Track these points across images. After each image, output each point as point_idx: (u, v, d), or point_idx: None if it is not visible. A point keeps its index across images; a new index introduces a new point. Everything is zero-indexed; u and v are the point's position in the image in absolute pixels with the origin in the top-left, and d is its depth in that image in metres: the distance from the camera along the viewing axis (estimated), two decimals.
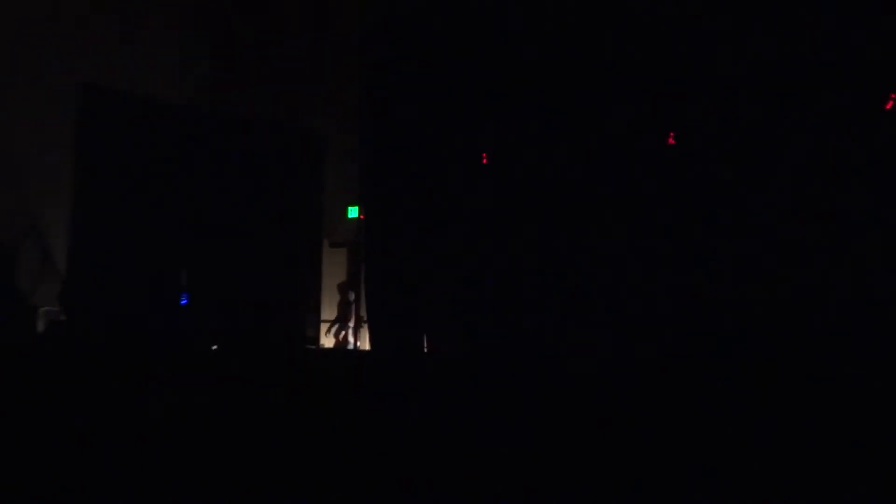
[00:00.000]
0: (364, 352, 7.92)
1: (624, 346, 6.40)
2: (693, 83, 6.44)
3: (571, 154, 6.89)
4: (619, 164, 6.68)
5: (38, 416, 4.14)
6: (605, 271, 6.69)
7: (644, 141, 6.62)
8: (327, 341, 8.74)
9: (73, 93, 6.87)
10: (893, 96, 5.87)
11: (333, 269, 8.83)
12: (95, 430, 3.99)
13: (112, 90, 7.00)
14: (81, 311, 6.37)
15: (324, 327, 8.63)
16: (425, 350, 7.52)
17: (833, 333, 5.69)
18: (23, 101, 7.96)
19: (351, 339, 8.69)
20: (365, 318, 7.86)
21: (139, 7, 8.40)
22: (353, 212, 8.25)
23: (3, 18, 8.06)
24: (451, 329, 7.42)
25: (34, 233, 7.19)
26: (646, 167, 6.61)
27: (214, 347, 7.13)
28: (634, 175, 6.63)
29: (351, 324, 8.66)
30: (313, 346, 8.03)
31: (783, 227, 6.13)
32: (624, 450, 3.24)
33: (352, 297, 8.69)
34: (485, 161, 7.34)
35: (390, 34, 7.88)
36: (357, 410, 4.40)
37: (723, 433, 3.35)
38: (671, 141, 6.62)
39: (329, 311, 8.89)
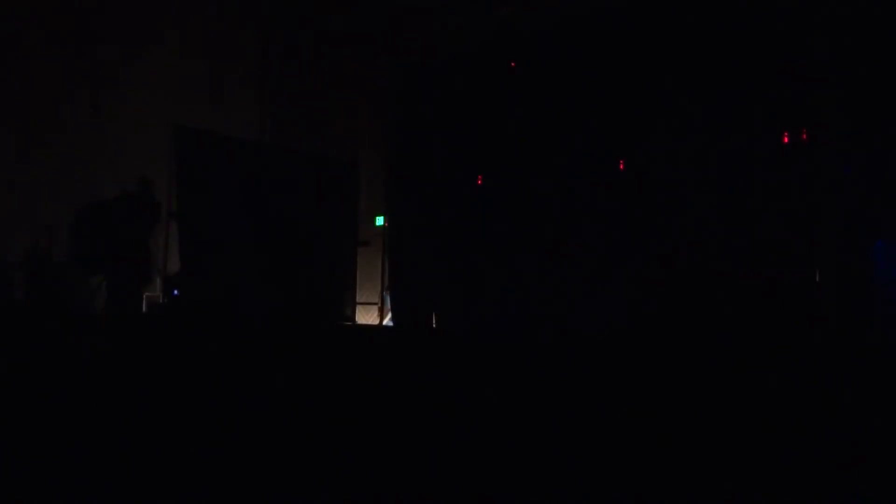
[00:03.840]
0: (387, 327, 9.15)
1: (602, 324, 7.17)
2: (638, 124, 7.34)
3: (544, 174, 8.04)
4: (579, 183, 7.78)
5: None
6: (575, 265, 7.64)
7: (600, 166, 7.69)
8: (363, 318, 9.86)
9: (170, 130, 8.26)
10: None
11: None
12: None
13: (198, 129, 8.48)
14: (183, 295, 7.95)
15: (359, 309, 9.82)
16: (434, 325, 8.59)
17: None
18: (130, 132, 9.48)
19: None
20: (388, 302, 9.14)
21: (218, 62, 9.99)
22: (379, 220, 9.44)
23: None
24: (453, 308, 8.49)
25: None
26: (601, 185, 7.64)
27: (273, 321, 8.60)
28: (592, 190, 7.68)
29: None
30: (349, 322, 9.43)
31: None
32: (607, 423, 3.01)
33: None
34: (479, 182, 8.57)
35: (409, 90, 9.12)
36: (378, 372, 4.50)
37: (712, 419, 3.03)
38: (621, 167, 7.60)
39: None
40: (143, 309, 8.67)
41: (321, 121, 10.27)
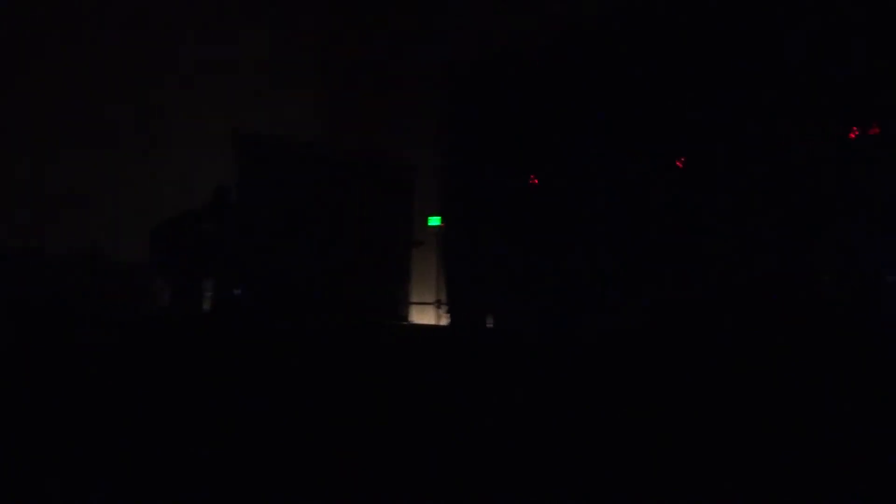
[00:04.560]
0: (443, 326, 9.24)
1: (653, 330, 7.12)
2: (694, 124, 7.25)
3: (600, 174, 8.01)
4: (637, 182, 7.70)
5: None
6: (631, 266, 7.59)
7: (658, 166, 7.59)
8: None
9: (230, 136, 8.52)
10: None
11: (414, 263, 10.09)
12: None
13: (258, 134, 8.69)
14: (244, 294, 8.25)
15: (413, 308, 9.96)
16: (490, 326, 8.64)
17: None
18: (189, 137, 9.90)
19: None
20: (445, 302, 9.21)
21: (275, 65, 10.31)
22: (433, 220, 9.45)
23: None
24: (510, 309, 8.50)
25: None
26: (659, 184, 7.53)
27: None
28: (651, 189, 7.58)
29: None
30: (404, 322, 9.57)
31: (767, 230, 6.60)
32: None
33: None
34: (534, 182, 8.57)
35: (463, 89, 9.19)
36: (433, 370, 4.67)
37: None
38: (679, 164, 7.49)
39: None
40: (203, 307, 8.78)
41: (376, 122, 10.40)
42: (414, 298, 9.99)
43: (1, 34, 8.59)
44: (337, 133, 10.61)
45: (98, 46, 9.32)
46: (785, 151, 6.62)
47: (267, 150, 8.63)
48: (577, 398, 3.68)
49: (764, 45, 6.81)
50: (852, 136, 6.29)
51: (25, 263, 8.48)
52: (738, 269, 6.82)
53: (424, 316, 10.09)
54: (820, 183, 6.35)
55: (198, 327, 7.04)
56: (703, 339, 6.34)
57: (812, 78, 6.41)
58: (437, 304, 9.48)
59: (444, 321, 9.34)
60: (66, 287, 8.72)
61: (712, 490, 2.35)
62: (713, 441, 2.79)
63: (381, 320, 9.17)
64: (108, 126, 9.34)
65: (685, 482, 2.40)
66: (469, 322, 8.85)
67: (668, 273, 7.35)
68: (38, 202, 8.72)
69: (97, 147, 9.35)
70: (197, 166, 9.26)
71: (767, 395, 3.37)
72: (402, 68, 10.35)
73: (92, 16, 9.34)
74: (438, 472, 2.56)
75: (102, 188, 9.32)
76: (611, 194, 7.98)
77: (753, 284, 6.63)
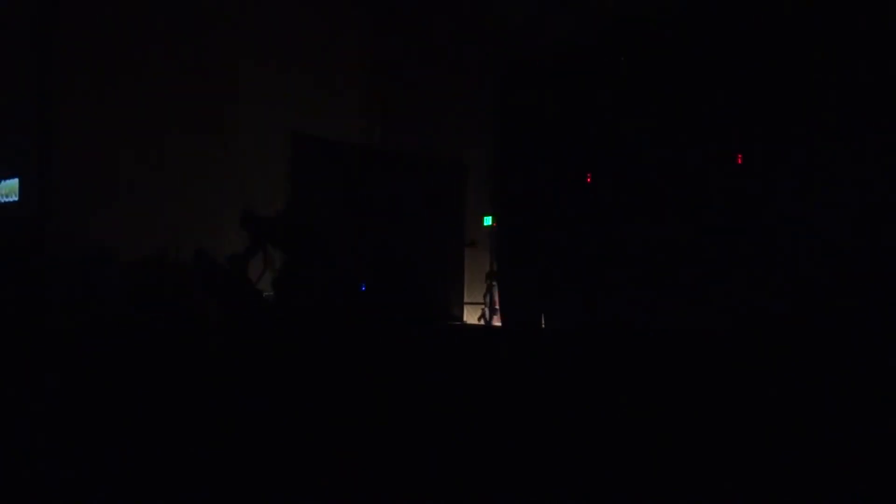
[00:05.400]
0: (497, 327, 9.23)
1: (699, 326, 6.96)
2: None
3: (654, 171, 7.73)
4: (692, 180, 7.45)
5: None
6: (686, 264, 7.34)
7: (714, 163, 7.29)
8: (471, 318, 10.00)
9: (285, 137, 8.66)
10: None
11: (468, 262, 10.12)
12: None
13: (312, 136, 8.79)
14: (302, 297, 8.28)
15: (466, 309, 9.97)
16: (543, 325, 8.50)
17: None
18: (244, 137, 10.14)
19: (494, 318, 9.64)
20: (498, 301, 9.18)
21: (327, 68, 10.48)
22: (487, 220, 9.50)
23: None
24: (562, 308, 8.38)
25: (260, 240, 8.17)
26: (715, 182, 7.27)
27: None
28: (706, 187, 7.32)
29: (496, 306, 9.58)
30: (458, 322, 9.56)
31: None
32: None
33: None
34: (588, 180, 8.38)
35: (515, 87, 9.08)
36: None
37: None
38: (739, 161, 7.19)
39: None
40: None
41: (428, 121, 10.41)
42: (468, 298, 9.93)
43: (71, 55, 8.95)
44: (389, 133, 10.66)
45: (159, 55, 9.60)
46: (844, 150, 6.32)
47: (321, 151, 8.74)
48: (617, 397, 3.64)
49: (832, 41, 6.50)
50: None
51: (101, 266, 8.78)
52: (794, 270, 6.57)
53: (479, 315, 9.96)
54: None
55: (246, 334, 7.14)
56: (757, 340, 6.17)
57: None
58: (486, 303, 9.43)
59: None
60: (132, 289, 8.94)
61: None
62: (735, 442, 2.73)
63: (434, 320, 9.13)
64: (172, 127, 9.61)
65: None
66: (521, 322, 8.73)
67: (724, 274, 7.08)
68: (111, 206, 9.04)
69: (160, 148, 9.63)
70: (254, 165, 9.45)
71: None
72: (454, 68, 10.28)
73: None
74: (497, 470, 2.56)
75: (168, 191, 9.58)
76: (665, 193, 7.73)
77: (812, 285, 6.38)
